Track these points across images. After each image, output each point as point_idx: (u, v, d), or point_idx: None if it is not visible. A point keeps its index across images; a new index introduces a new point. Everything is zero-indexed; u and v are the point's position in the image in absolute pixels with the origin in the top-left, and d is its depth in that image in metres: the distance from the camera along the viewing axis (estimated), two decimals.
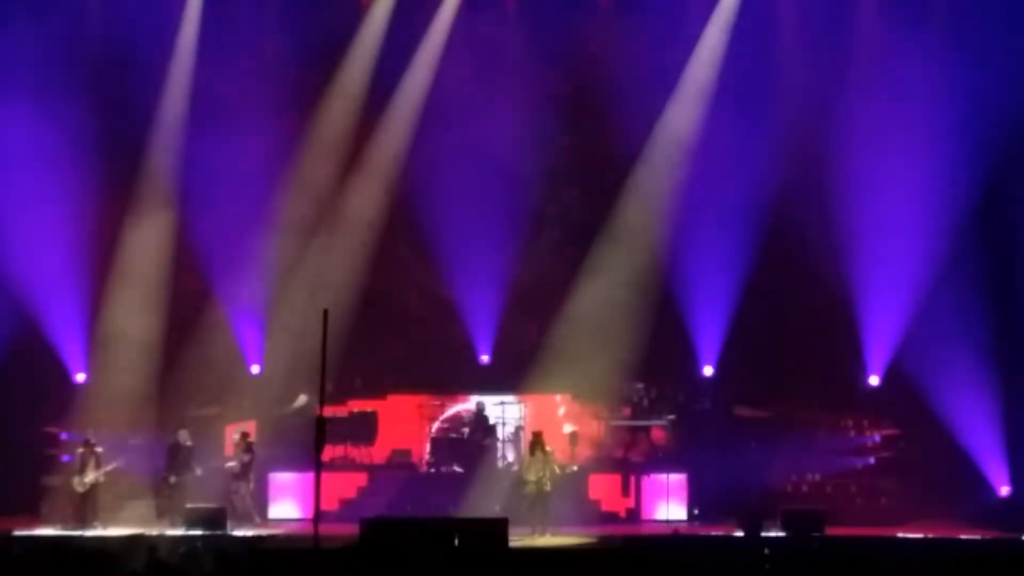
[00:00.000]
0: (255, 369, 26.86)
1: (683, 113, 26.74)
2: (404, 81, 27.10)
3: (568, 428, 26.32)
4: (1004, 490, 24.60)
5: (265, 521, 24.39)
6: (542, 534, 22.77)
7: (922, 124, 25.20)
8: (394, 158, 27.14)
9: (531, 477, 23.28)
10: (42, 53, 25.96)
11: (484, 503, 24.19)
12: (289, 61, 26.69)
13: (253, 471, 24.58)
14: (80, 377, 26.50)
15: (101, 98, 26.25)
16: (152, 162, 26.87)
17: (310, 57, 26.79)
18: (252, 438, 24.93)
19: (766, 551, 20.32)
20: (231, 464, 24.39)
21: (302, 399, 25.81)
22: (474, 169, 26.58)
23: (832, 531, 22.50)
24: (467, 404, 26.80)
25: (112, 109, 26.35)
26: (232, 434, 24.59)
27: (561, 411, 26.68)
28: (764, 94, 26.09)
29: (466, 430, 26.31)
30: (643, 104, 26.46)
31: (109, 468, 23.92)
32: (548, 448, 23.55)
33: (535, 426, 25.15)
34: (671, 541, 21.60)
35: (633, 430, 26.03)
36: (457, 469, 25.46)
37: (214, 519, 22.74)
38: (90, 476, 23.77)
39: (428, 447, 26.42)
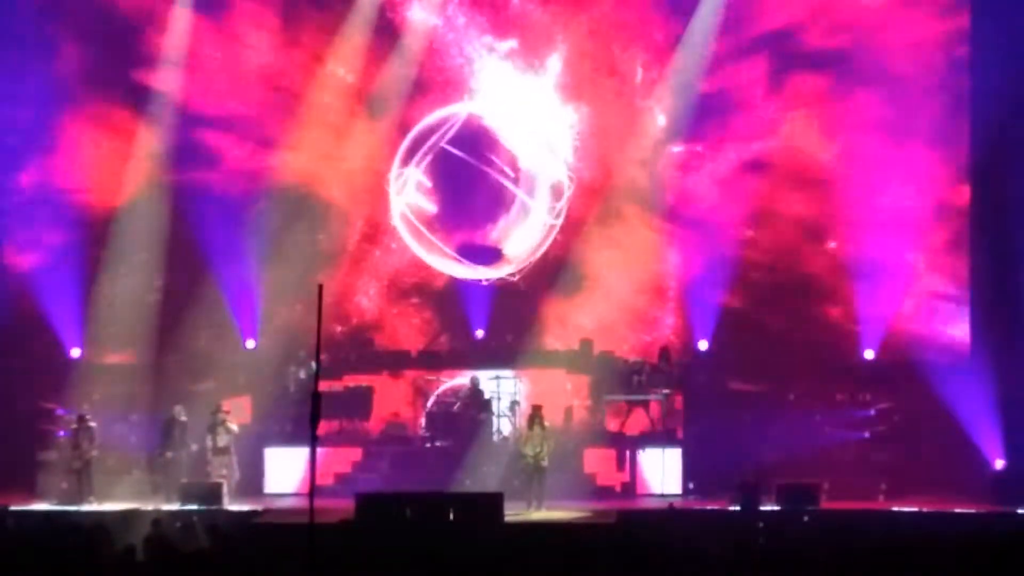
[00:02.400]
0: (250, 344, 26.83)
1: (679, 84, 26.74)
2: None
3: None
4: (999, 464, 24.61)
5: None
6: (537, 509, 22.79)
7: (920, 92, 25.20)
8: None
9: (528, 451, 23.27)
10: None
11: (479, 478, 24.19)
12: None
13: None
14: (75, 352, 26.46)
15: (98, 59, 26.27)
16: (147, 126, 26.82)
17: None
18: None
19: (761, 525, 20.37)
20: (225, 438, 24.21)
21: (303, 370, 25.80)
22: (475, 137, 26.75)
23: (826, 505, 22.55)
24: (462, 378, 26.75)
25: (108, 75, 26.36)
26: (216, 412, 24.33)
27: (568, 386, 26.66)
28: (756, 64, 26.11)
29: (461, 405, 26.28)
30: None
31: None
32: (547, 423, 23.53)
33: (530, 400, 25.10)
34: (666, 515, 21.62)
35: (629, 404, 25.99)
36: (452, 444, 25.44)
37: (210, 494, 22.75)
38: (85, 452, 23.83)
39: (423, 422, 26.41)
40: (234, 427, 24.22)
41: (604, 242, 26.80)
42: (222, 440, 24.10)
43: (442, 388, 26.95)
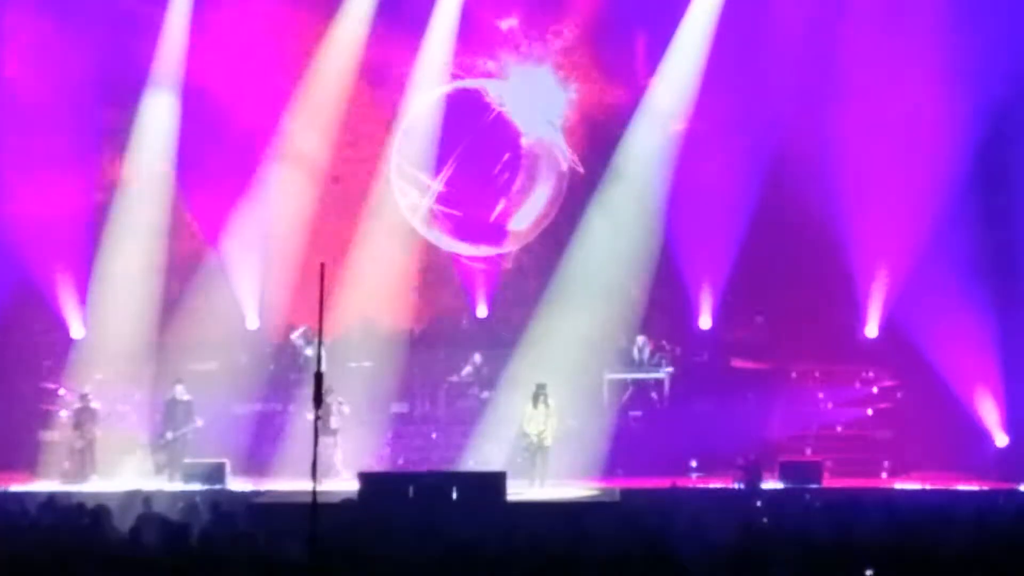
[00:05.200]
0: (253, 323, 26.77)
1: (681, 64, 26.62)
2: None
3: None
4: (1002, 440, 24.62)
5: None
6: (541, 487, 22.77)
7: (922, 73, 25.13)
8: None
9: (531, 430, 23.26)
10: None
11: (483, 456, 24.18)
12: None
13: None
14: (78, 332, 26.43)
15: (98, 46, 26.14)
16: (150, 110, 26.77)
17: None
18: None
19: (758, 504, 20.41)
20: (337, 420, 24.10)
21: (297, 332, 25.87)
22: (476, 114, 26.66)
23: (829, 482, 22.55)
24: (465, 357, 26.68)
25: (109, 57, 26.26)
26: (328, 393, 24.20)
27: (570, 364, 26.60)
28: (762, 44, 26.01)
29: (464, 384, 26.24)
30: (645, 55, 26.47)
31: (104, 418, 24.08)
32: (551, 401, 23.49)
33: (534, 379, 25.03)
34: (669, 493, 21.62)
35: (630, 382, 25.98)
36: (455, 423, 25.43)
37: (213, 474, 22.76)
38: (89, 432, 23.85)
39: (427, 401, 26.37)
40: (346, 410, 24.17)
41: (603, 219, 26.75)
42: (334, 422, 23.99)
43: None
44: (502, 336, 26.53)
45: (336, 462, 23.73)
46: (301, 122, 26.88)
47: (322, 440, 23.69)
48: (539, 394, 23.42)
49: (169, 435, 24.12)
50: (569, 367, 26.22)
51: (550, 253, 26.91)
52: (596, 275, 26.51)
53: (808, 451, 24.88)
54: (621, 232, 26.60)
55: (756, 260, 26.20)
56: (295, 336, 25.98)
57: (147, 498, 18.91)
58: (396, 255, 27.21)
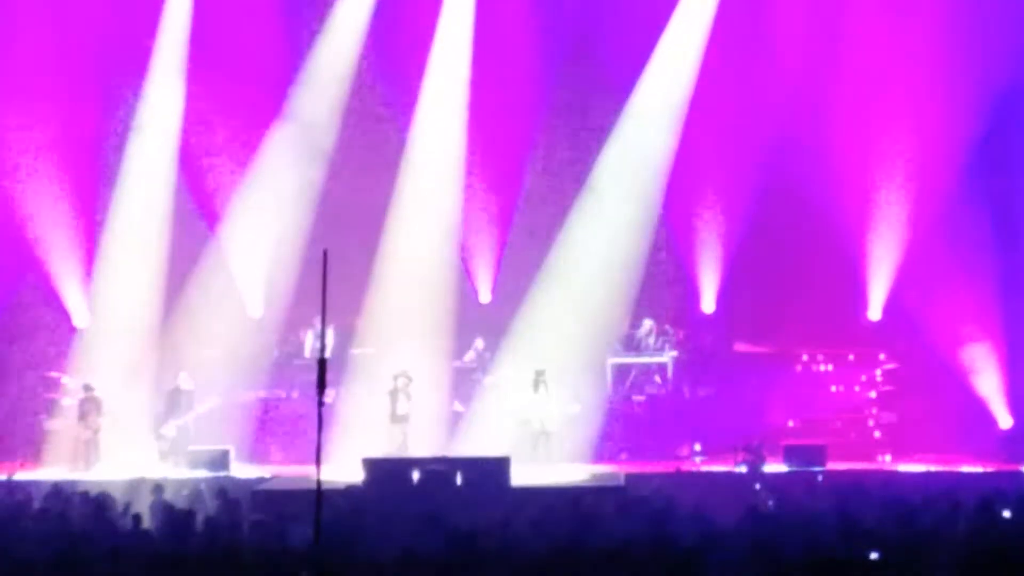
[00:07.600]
0: (257, 311, 26.75)
1: (678, 50, 26.57)
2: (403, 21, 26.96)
3: None
4: (1006, 422, 24.63)
5: None
6: (545, 472, 22.77)
7: (922, 55, 25.10)
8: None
9: (534, 416, 23.26)
10: None
11: (487, 442, 24.17)
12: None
13: None
14: (82, 320, 26.43)
15: (102, 29, 26.12)
16: (154, 94, 26.76)
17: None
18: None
19: (757, 487, 20.46)
20: (405, 406, 23.93)
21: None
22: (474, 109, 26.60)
23: (833, 465, 22.57)
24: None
25: (111, 42, 26.23)
26: (398, 377, 24.09)
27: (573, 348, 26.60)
28: (761, 30, 25.97)
29: (468, 369, 26.25)
30: (639, 42, 26.41)
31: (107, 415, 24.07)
32: (552, 386, 23.48)
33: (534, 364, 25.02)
34: (673, 478, 21.64)
35: (634, 366, 25.97)
36: (459, 408, 25.45)
37: (217, 461, 22.77)
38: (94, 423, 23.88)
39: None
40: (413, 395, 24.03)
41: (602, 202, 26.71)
42: (402, 408, 23.85)
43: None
44: (504, 321, 26.47)
45: (402, 451, 23.42)
46: (308, 103, 26.82)
47: (390, 428, 23.80)
48: (539, 380, 23.43)
49: (173, 423, 24.12)
50: (571, 352, 26.27)
51: (550, 238, 26.86)
52: (596, 261, 26.48)
53: (811, 434, 24.86)
54: (621, 216, 26.54)
55: (759, 243, 26.17)
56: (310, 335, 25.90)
57: (158, 486, 18.94)
58: (399, 244, 27.20)
